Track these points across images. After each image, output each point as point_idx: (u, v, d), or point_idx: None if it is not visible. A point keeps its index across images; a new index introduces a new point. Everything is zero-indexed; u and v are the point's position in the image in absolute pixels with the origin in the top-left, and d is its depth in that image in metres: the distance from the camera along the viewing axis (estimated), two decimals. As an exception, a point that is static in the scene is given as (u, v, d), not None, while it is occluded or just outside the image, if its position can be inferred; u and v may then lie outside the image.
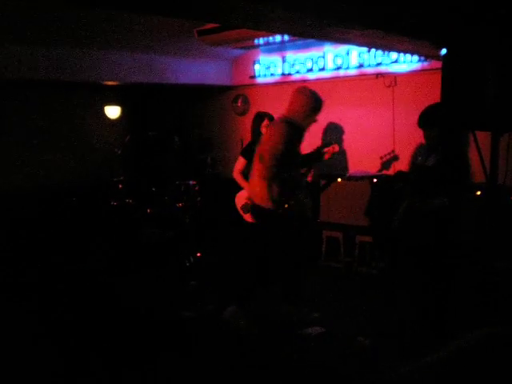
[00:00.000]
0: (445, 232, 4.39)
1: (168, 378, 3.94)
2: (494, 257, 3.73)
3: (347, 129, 7.17)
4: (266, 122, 5.97)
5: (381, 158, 5.65)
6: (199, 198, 7.71)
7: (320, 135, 7.60)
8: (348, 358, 4.17)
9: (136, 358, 4.23)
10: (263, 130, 5.94)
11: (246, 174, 6.16)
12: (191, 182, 7.71)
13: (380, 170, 7.21)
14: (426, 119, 4.48)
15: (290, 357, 4.22)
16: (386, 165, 7.22)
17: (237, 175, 6.17)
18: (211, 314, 5.11)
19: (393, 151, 5.64)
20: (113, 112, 9.27)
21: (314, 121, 4.99)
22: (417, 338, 4.30)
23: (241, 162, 6.16)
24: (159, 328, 4.85)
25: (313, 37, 4.22)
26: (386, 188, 6.20)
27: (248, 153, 6.09)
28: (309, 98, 4.89)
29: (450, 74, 3.07)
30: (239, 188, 6.14)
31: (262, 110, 8.34)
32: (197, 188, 7.70)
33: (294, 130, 4.84)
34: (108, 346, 4.44)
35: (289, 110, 4.92)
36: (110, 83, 8.40)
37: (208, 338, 4.65)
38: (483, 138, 3.37)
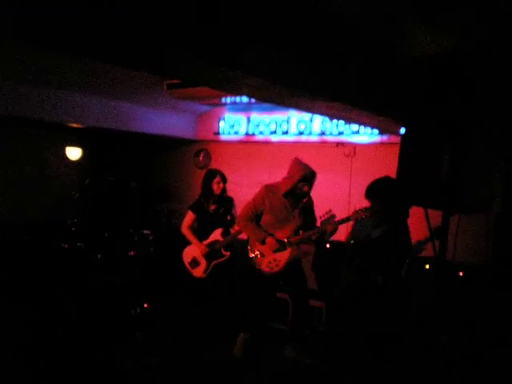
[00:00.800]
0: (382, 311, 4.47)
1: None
2: (440, 331, 3.82)
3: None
4: (217, 179, 6.09)
5: (320, 217, 5.80)
6: (152, 249, 7.67)
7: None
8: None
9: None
10: (215, 186, 6.06)
11: (194, 229, 6.24)
12: (145, 232, 7.69)
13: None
14: (371, 191, 4.65)
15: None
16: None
17: (185, 229, 6.23)
18: (155, 367, 5.03)
19: (330, 210, 5.82)
20: (74, 153, 9.24)
21: (300, 189, 5.23)
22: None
23: (190, 217, 6.25)
24: (101, 379, 4.74)
25: (279, 104, 4.36)
26: (337, 255, 6.30)
27: (197, 208, 6.18)
28: (294, 166, 5.29)
29: (407, 153, 3.20)
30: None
31: (223, 165, 8.49)
32: (151, 238, 7.67)
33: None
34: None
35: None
36: (72, 125, 8.39)
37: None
38: (433, 213, 3.51)
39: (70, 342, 5.47)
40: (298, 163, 5.31)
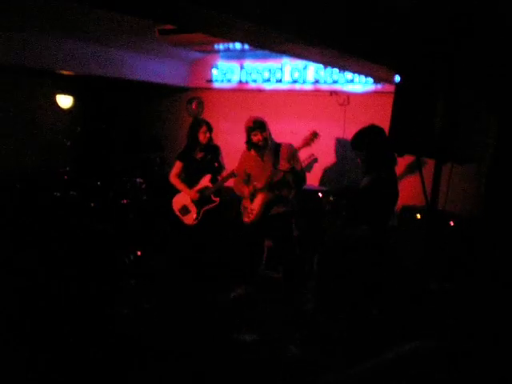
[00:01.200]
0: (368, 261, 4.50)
1: (101, 374, 3.92)
2: (430, 279, 3.87)
3: (298, 141, 7.26)
4: (204, 129, 6.08)
5: (302, 161, 5.92)
6: (145, 197, 7.68)
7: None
8: (279, 366, 4.23)
9: (70, 354, 4.19)
10: (201, 136, 6.06)
11: (183, 178, 6.26)
12: (138, 180, 7.68)
13: (329, 185, 7.37)
14: (357, 142, 4.63)
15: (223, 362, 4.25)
16: (335, 181, 7.39)
17: (173, 178, 6.27)
18: (147, 313, 5.11)
19: (312, 154, 5.90)
20: (65, 102, 9.12)
21: (254, 138, 5.63)
22: (349, 346, 4.42)
23: (177, 166, 6.28)
24: (93, 324, 4.81)
25: (272, 50, 4.28)
26: (332, 203, 6.33)
27: (184, 156, 6.19)
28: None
29: (401, 101, 3.19)
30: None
31: (215, 113, 8.45)
32: (143, 186, 7.67)
33: None
34: (42, 344, 4.37)
35: None
36: (64, 72, 8.25)
37: (141, 335, 4.64)
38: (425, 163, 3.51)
39: (63, 291, 5.53)
40: (247, 119, 5.71)
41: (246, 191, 5.73)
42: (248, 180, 5.80)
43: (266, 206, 5.69)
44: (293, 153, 5.64)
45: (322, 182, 7.52)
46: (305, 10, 3.32)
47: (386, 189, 4.38)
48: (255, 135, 5.59)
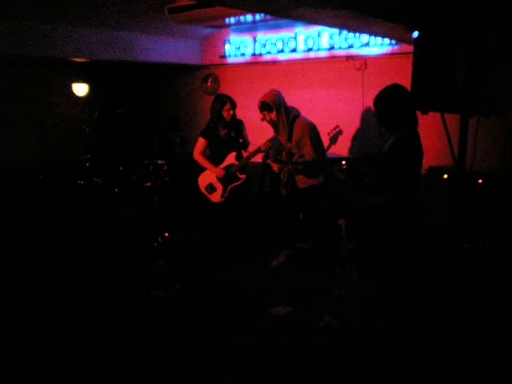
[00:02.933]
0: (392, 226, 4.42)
1: (142, 359, 3.94)
2: (461, 239, 3.79)
3: (317, 110, 7.16)
4: (227, 106, 5.98)
5: (328, 134, 5.86)
6: (168, 178, 7.66)
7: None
8: (315, 338, 4.21)
9: (110, 340, 4.22)
10: (225, 113, 5.97)
11: (207, 155, 6.20)
12: (160, 162, 7.66)
13: (350, 152, 7.28)
14: (378, 101, 4.47)
15: (259, 338, 4.24)
16: (356, 148, 7.29)
17: (198, 156, 6.20)
18: (179, 293, 5.12)
19: (337, 126, 5.83)
20: (81, 89, 9.13)
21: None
22: (382, 316, 4.38)
23: (201, 143, 6.20)
24: (129, 308, 4.84)
25: (286, 16, 4.19)
26: (353, 171, 6.24)
27: (208, 134, 6.12)
28: None
29: (422, 57, 3.09)
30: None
31: (231, 89, 8.36)
32: (165, 167, 7.65)
33: None
34: (81, 328, 4.41)
35: None
36: (77, 60, 8.24)
37: (177, 316, 4.66)
38: (450, 122, 3.41)
39: (96, 277, 5.58)
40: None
41: (273, 166, 5.76)
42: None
43: (289, 177, 5.73)
44: (301, 134, 5.56)
45: (347, 149, 7.42)
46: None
47: (410, 150, 4.25)
48: (263, 115, 5.66)
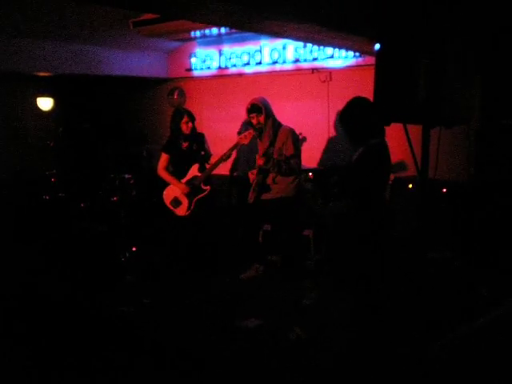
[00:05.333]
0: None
1: (108, 375, 3.88)
2: (428, 248, 3.83)
3: (283, 122, 7.20)
4: (185, 119, 5.99)
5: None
6: (134, 192, 7.61)
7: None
8: (284, 351, 4.20)
9: (75, 356, 4.15)
10: (183, 126, 5.99)
11: (170, 170, 6.19)
12: (126, 176, 7.60)
13: (317, 164, 7.34)
14: (343, 116, 4.53)
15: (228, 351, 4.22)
16: (322, 159, 7.35)
17: (162, 172, 6.19)
18: (147, 308, 5.07)
19: (301, 133, 5.96)
20: (45, 104, 9.01)
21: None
22: (353, 328, 4.39)
23: (164, 158, 6.21)
24: (96, 323, 4.76)
25: (250, 29, 4.22)
26: (321, 181, 6.29)
27: (169, 148, 6.12)
28: None
29: (383, 69, 3.12)
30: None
31: (198, 102, 8.36)
32: (132, 181, 7.59)
33: None
34: (45, 344, 4.32)
35: None
36: (42, 74, 8.15)
37: (145, 331, 4.60)
38: (413, 132, 3.45)
39: (61, 292, 5.48)
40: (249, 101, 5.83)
41: (251, 176, 5.87)
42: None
43: (256, 190, 5.83)
44: (285, 139, 5.69)
45: (313, 161, 7.46)
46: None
47: (378, 160, 4.31)
48: (252, 118, 5.76)
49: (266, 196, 5.84)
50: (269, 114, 5.77)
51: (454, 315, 4.37)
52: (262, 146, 5.85)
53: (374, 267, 4.29)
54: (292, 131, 5.80)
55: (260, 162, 5.69)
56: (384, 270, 4.40)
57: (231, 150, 5.83)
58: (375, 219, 4.33)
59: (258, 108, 5.71)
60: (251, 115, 5.76)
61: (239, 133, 5.93)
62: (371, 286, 4.37)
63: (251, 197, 5.88)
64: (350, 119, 4.44)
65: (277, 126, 5.81)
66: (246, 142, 5.80)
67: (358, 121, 4.36)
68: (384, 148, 4.37)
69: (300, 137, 6.07)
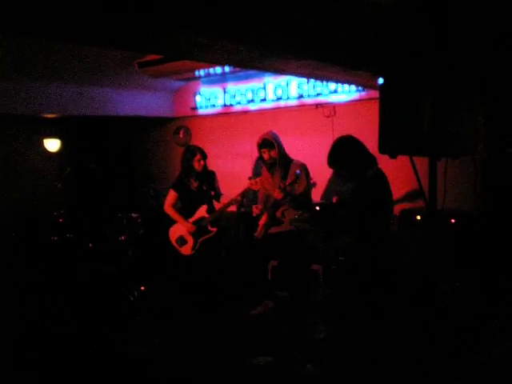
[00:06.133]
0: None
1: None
2: (438, 279, 3.80)
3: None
4: (198, 157, 6.00)
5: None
6: (142, 231, 7.61)
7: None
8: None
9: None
10: (196, 164, 5.99)
11: (178, 208, 6.19)
12: (134, 215, 7.61)
13: (321, 198, 7.33)
14: (332, 160, 4.60)
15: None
16: (326, 194, 7.34)
17: (168, 209, 6.19)
18: (158, 348, 5.02)
19: (313, 179, 6.01)
20: (52, 145, 9.10)
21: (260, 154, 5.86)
22: (366, 364, 4.33)
23: (172, 196, 6.21)
24: (107, 364, 4.71)
25: (253, 68, 4.27)
26: (327, 216, 6.28)
27: (179, 186, 6.12)
28: None
29: (387, 102, 3.15)
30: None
31: (203, 140, 8.42)
32: (139, 220, 7.60)
33: None
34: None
35: None
36: (49, 116, 8.25)
37: (155, 371, 4.55)
38: (419, 163, 3.46)
39: (71, 333, 5.44)
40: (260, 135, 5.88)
41: (255, 210, 5.90)
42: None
43: (267, 227, 5.84)
44: (297, 174, 5.67)
45: (317, 196, 7.46)
46: (281, 24, 3.30)
47: (374, 190, 4.34)
48: (264, 152, 5.79)
49: (274, 229, 5.83)
50: (280, 149, 5.79)
51: (466, 347, 4.31)
52: (273, 181, 5.86)
53: (383, 299, 4.26)
54: (305, 166, 5.84)
55: (279, 196, 5.60)
56: (394, 302, 4.36)
57: (241, 195, 5.83)
58: (380, 251, 4.32)
59: (270, 143, 5.74)
60: (263, 150, 5.78)
61: (250, 178, 5.92)
62: (382, 318, 4.33)
63: (260, 232, 5.86)
64: (338, 160, 4.51)
65: (288, 160, 5.84)
66: (256, 188, 5.82)
67: (345, 159, 4.44)
68: (380, 177, 4.40)
69: (311, 181, 6.07)
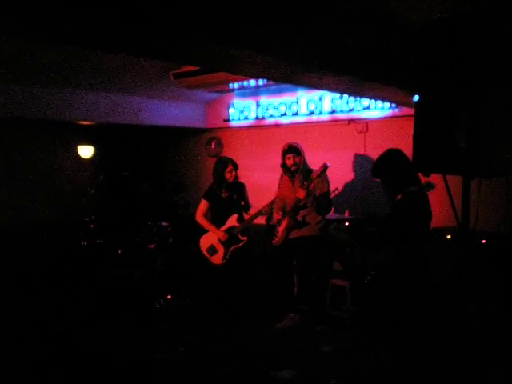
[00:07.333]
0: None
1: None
2: (466, 300, 3.77)
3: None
4: (230, 168, 6.08)
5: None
6: (171, 240, 7.67)
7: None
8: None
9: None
10: (227, 175, 6.07)
11: (209, 217, 6.24)
12: (163, 223, 7.68)
13: (350, 214, 7.31)
14: (376, 169, 4.59)
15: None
16: (357, 209, 7.33)
17: (200, 218, 6.25)
18: (183, 356, 5.04)
19: (336, 189, 6.01)
20: (86, 152, 9.26)
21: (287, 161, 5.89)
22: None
23: (204, 205, 6.27)
24: (132, 371, 4.75)
25: (287, 81, 4.32)
26: (358, 231, 6.27)
27: (210, 196, 6.18)
28: None
29: (422, 120, 3.15)
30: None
31: (234, 152, 8.48)
32: (169, 229, 7.66)
33: None
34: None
35: None
36: (84, 123, 8.41)
37: (180, 380, 4.58)
38: (452, 182, 3.45)
39: (97, 339, 5.49)
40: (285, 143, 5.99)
41: (275, 217, 5.92)
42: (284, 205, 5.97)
43: (288, 230, 5.86)
44: (319, 177, 5.74)
45: (348, 211, 7.45)
46: (322, 40, 3.34)
47: (419, 207, 4.33)
48: (288, 158, 5.84)
49: (294, 234, 5.85)
50: (304, 156, 5.86)
51: (492, 371, 4.26)
52: (293, 187, 5.88)
53: (415, 317, 4.24)
54: (325, 173, 5.85)
55: (301, 195, 5.62)
56: (424, 321, 4.33)
57: (271, 204, 5.87)
58: (417, 269, 4.30)
59: (296, 149, 5.82)
60: (288, 155, 5.83)
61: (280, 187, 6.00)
62: (411, 337, 4.30)
63: (279, 238, 5.89)
64: (386, 170, 4.48)
65: (309, 169, 5.90)
66: (264, 212, 5.89)
67: (393, 172, 4.41)
68: (422, 195, 4.38)
69: (333, 189, 6.10)
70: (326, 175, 5.85)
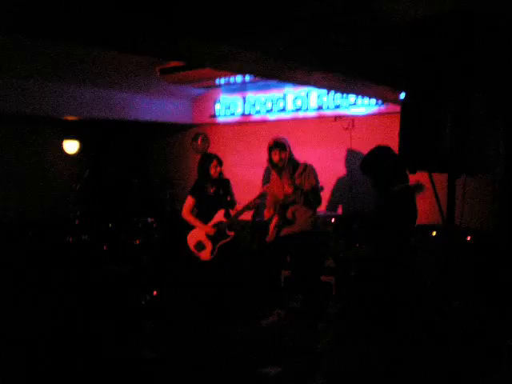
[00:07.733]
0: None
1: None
2: (452, 297, 3.79)
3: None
4: (214, 163, 6.07)
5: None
6: (157, 235, 7.65)
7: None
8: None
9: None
10: (212, 170, 6.05)
11: (195, 213, 6.23)
12: (149, 219, 7.66)
13: (336, 210, 7.34)
14: (365, 165, 4.60)
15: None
16: (344, 205, 7.35)
17: (187, 215, 6.24)
18: (167, 354, 5.02)
19: (322, 187, 6.05)
20: (71, 147, 9.19)
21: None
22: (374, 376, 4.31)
23: (190, 201, 6.25)
24: (114, 368, 4.72)
25: (275, 78, 4.31)
26: (343, 228, 6.29)
27: (196, 192, 6.17)
28: None
29: (408, 117, 3.16)
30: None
31: (221, 148, 8.46)
32: (155, 225, 7.65)
33: None
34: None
35: None
36: (69, 118, 8.34)
37: (165, 378, 4.56)
38: (437, 179, 3.47)
39: (80, 335, 5.46)
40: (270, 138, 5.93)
41: (266, 214, 5.93)
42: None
43: (278, 228, 5.83)
44: (305, 170, 5.77)
45: (332, 207, 7.47)
46: (309, 37, 3.33)
47: (404, 205, 4.35)
48: (275, 154, 5.78)
49: (285, 231, 5.85)
50: (290, 151, 5.83)
51: (479, 366, 4.28)
52: (281, 182, 5.85)
53: (399, 312, 4.26)
54: (312, 166, 5.88)
55: (289, 190, 5.62)
56: (409, 316, 4.35)
57: (258, 198, 5.87)
58: (401, 265, 4.32)
59: (282, 144, 5.78)
60: (274, 151, 5.78)
61: (264, 183, 5.97)
62: (395, 333, 4.32)
63: (271, 235, 5.88)
64: (374, 168, 4.49)
65: (296, 163, 5.87)
66: (252, 206, 5.88)
67: (382, 169, 4.42)
68: (409, 193, 4.40)
69: (320, 185, 6.12)
70: (313, 169, 5.84)
